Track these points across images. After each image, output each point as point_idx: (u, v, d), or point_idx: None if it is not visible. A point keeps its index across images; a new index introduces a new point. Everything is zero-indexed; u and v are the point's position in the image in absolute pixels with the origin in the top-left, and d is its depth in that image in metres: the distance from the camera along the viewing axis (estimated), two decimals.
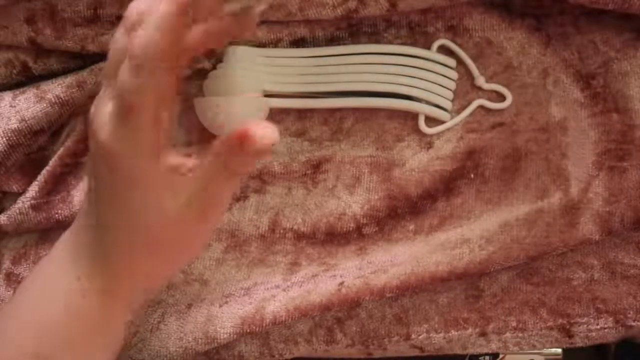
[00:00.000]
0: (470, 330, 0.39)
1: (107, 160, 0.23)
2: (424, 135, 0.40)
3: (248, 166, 0.26)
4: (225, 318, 0.38)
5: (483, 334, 0.40)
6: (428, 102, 0.39)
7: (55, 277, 0.26)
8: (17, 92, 0.37)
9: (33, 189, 0.37)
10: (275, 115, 0.39)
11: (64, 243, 0.27)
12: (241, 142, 0.22)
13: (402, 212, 0.40)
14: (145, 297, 0.28)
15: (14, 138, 0.36)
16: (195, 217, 0.24)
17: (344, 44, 0.39)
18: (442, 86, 0.39)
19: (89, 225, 0.26)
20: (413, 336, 0.40)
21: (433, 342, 0.40)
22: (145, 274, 0.26)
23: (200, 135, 0.39)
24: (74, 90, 0.37)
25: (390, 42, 0.39)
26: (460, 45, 0.39)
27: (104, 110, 0.23)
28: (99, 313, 0.26)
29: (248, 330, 0.38)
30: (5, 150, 0.36)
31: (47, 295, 0.26)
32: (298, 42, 0.38)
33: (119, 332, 0.28)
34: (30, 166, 0.38)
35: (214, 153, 0.23)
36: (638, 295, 0.39)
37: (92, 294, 0.25)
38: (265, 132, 0.22)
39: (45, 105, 0.36)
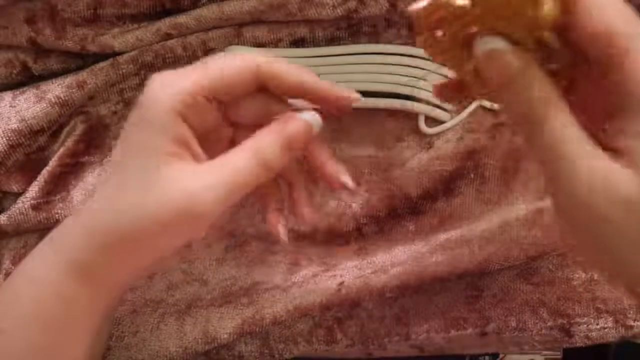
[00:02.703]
0: (470, 330, 0.39)
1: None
2: (424, 135, 0.40)
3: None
4: (225, 318, 0.38)
5: (483, 334, 0.40)
6: (428, 102, 0.39)
7: (42, 267, 0.26)
8: (17, 92, 0.37)
9: (33, 189, 0.37)
10: None
11: (45, 242, 0.27)
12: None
13: (402, 212, 0.40)
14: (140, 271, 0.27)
15: (14, 138, 0.36)
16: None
17: (344, 44, 0.39)
18: None
19: (93, 203, 0.26)
20: (413, 336, 0.40)
21: (433, 342, 0.40)
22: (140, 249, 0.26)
23: None
24: (74, 90, 0.37)
25: (390, 42, 0.39)
26: None
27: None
28: (90, 295, 0.25)
29: (248, 330, 0.38)
30: (5, 150, 0.36)
31: (37, 286, 0.25)
32: (298, 42, 0.38)
33: (110, 313, 0.28)
34: (30, 166, 0.38)
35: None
36: None
37: (84, 275, 0.25)
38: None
39: (45, 105, 0.36)
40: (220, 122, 0.28)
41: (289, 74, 0.27)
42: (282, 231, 0.30)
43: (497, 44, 0.22)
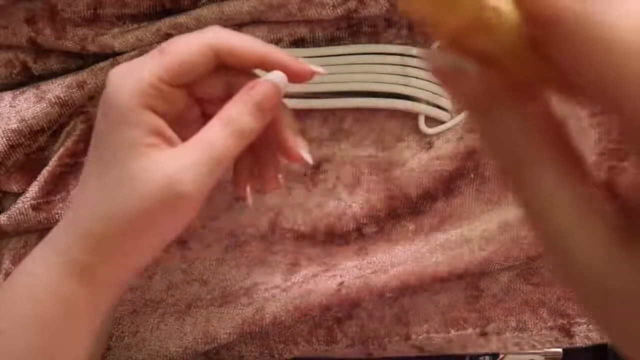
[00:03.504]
0: (470, 330, 0.40)
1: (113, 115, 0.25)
2: (424, 135, 0.40)
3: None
4: (225, 318, 0.38)
5: (483, 334, 0.40)
6: (428, 102, 0.39)
7: (41, 267, 0.26)
8: (17, 92, 0.37)
9: (33, 189, 0.37)
10: None
11: (44, 242, 0.27)
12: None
13: (402, 212, 0.40)
14: (134, 271, 0.27)
15: (14, 138, 0.36)
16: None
17: (344, 44, 0.39)
18: None
19: (80, 205, 0.26)
20: (413, 336, 0.40)
21: (433, 342, 0.40)
22: (135, 248, 0.26)
23: None
24: (74, 90, 0.36)
25: (390, 42, 0.39)
26: None
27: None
28: (89, 295, 0.26)
29: (248, 330, 0.38)
30: (5, 150, 0.36)
31: (36, 286, 0.26)
32: (298, 42, 0.38)
33: (109, 313, 0.28)
34: (30, 166, 0.38)
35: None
36: None
37: (82, 275, 0.25)
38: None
39: (45, 105, 0.36)
40: (190, 102, 0.28)
41: (247, 51, 0.26)
42: (249, 199, 0.31)
43: (450, 60, 0.16)
